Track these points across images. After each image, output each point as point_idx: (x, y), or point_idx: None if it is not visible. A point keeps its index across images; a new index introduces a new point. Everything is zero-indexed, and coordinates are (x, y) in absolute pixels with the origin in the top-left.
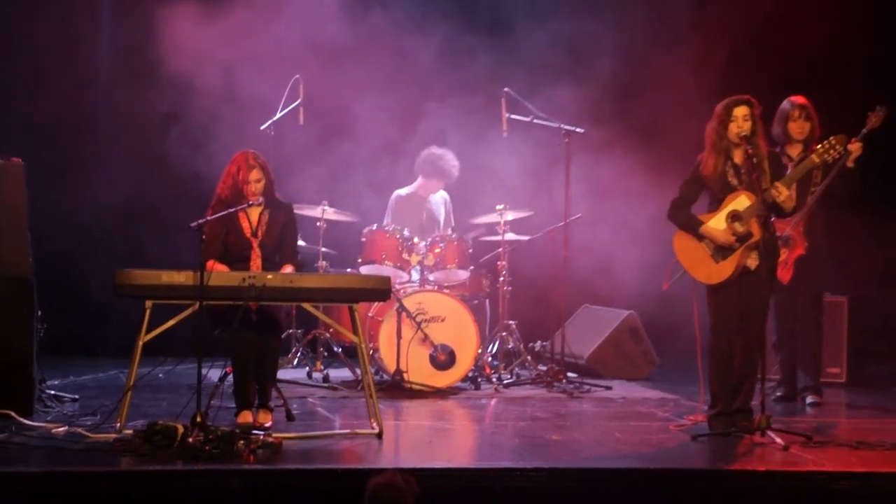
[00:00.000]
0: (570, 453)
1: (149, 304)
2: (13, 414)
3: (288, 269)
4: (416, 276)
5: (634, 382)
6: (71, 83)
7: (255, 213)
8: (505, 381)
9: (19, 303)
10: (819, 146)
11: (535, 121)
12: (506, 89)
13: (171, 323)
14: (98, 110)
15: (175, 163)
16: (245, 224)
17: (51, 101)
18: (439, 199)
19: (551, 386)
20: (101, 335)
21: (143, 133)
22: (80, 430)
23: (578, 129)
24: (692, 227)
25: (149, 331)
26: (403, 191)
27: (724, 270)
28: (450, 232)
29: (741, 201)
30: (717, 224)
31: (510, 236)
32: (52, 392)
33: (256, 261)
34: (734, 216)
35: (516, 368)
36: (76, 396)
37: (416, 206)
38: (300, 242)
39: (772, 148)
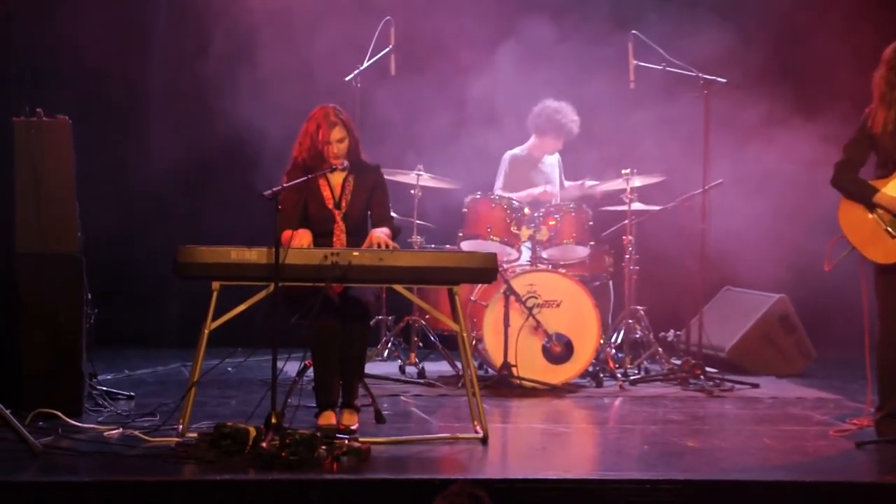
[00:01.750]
0: (709, 463)
1: (216, 285)
2: (59, 414)
3: (387, 230)
4: (526, 252)
5: (786, 379)
6: (123, 32)
7: (337, 178)
8: (631, 377)
9: (66, 284)
10: None
11: (668, 69)
12: (633, 32)
13: (241, 308)
14: (152, 62)
15: (241, 122)
16: (326, 192)
17: (101, 53)
18: (553, 161)
19: (686, 383)
20: (161, 322)
21: (203, 88)
22: (136, 432)
23: (720, 79)
24: (864, 195)
25: (216, 317)
26: (517, 150)
27: None
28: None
29: None
30: (892, 191)
31: (638, 206)
32: (104, 388)
33: (340, 235)
34: None
35: (645, 362)
36: (132, 393)
37: (531, 169)
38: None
39: None
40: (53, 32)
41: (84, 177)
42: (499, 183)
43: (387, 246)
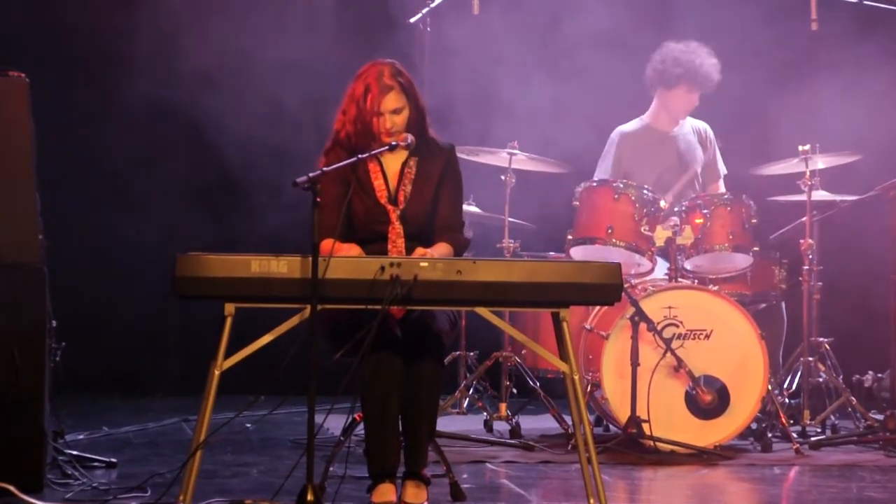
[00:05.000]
0: None
1: (230, 308)
2: (12, 488)
3: (443, 249)
4: (663, 263)
5: None
6: None
7: (394, 163)
8: (813, 438)
9: (22, 307)
10: None
11: (866, 2)
12: None
13: (265, 340)
14: (141, 11)
15: (262, 90)
16: (378, 181)
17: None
18: (690, 132)
19: (892, 446)
20: (154, 361)
21: (212, 42)
22: None
23: None
24: None
25: (230, 353)
26: (629, 126)
27: None
28: (720, 189)
29: None
30: None
31: (821, 195)
32: (75, 453)
33: (397, 241)
34: None
35: (832, 416)
36: (113, 460)
37: (656, 146)
38: (470, 208)
39: None
40: None
41: (48, 159)
42: (599, 172)
43: None
